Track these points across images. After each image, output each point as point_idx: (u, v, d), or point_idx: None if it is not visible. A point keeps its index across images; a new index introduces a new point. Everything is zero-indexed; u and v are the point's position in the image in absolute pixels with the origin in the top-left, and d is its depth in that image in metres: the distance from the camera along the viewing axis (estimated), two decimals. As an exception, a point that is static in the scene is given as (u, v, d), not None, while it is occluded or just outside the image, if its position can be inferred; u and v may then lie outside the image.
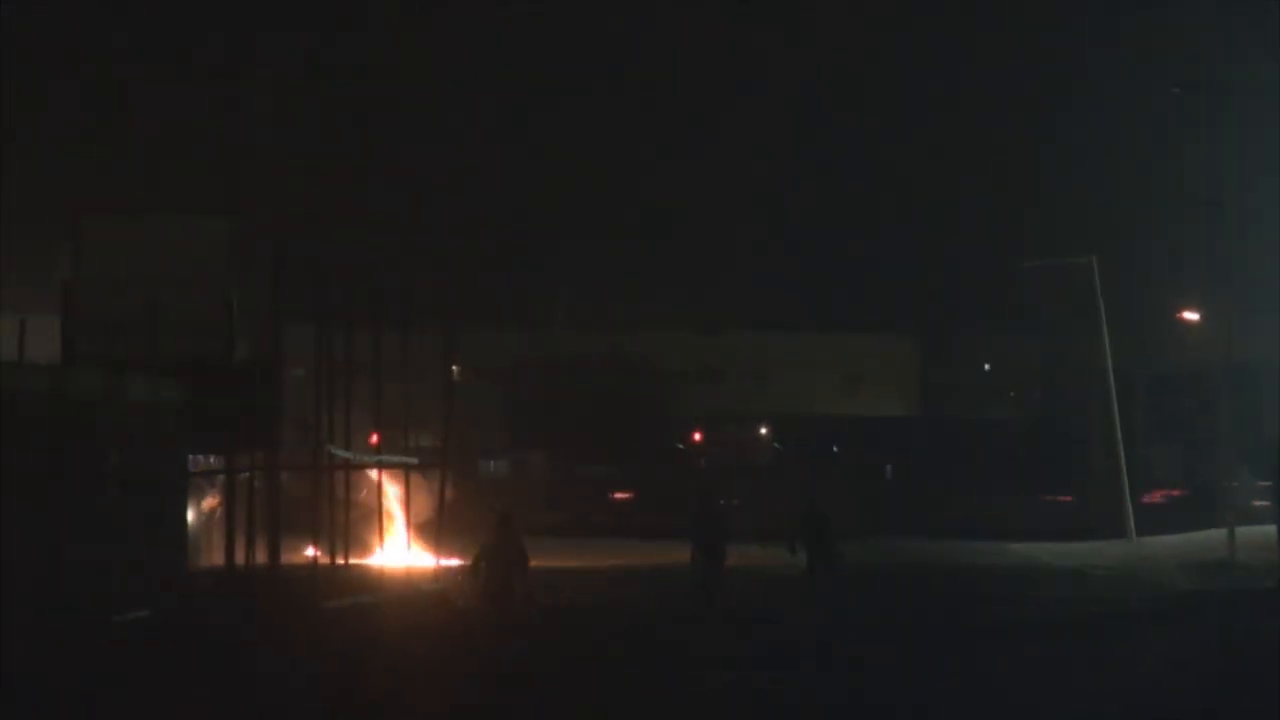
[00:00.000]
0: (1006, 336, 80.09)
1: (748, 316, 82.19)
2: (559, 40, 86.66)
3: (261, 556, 31.83)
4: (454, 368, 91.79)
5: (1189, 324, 65.09)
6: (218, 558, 34.47)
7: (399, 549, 39.10)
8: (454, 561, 37.15)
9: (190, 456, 31.46)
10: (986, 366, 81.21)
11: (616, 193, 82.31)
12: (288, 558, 34.19)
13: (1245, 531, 47.63)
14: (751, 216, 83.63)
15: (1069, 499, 65.63)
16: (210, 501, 36.74)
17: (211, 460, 35.21)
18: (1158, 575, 42.11)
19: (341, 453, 31.98)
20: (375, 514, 37.23)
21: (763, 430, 76.76)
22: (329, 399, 33.62)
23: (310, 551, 33.42)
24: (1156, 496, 65.37)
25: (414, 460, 35.29)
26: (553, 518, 64.02)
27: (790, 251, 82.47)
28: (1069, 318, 70.70)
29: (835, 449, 72.72)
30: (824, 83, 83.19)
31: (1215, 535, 49.75)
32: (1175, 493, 67.04)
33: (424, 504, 38.84)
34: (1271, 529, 46.08)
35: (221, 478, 35.21)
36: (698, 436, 76.99)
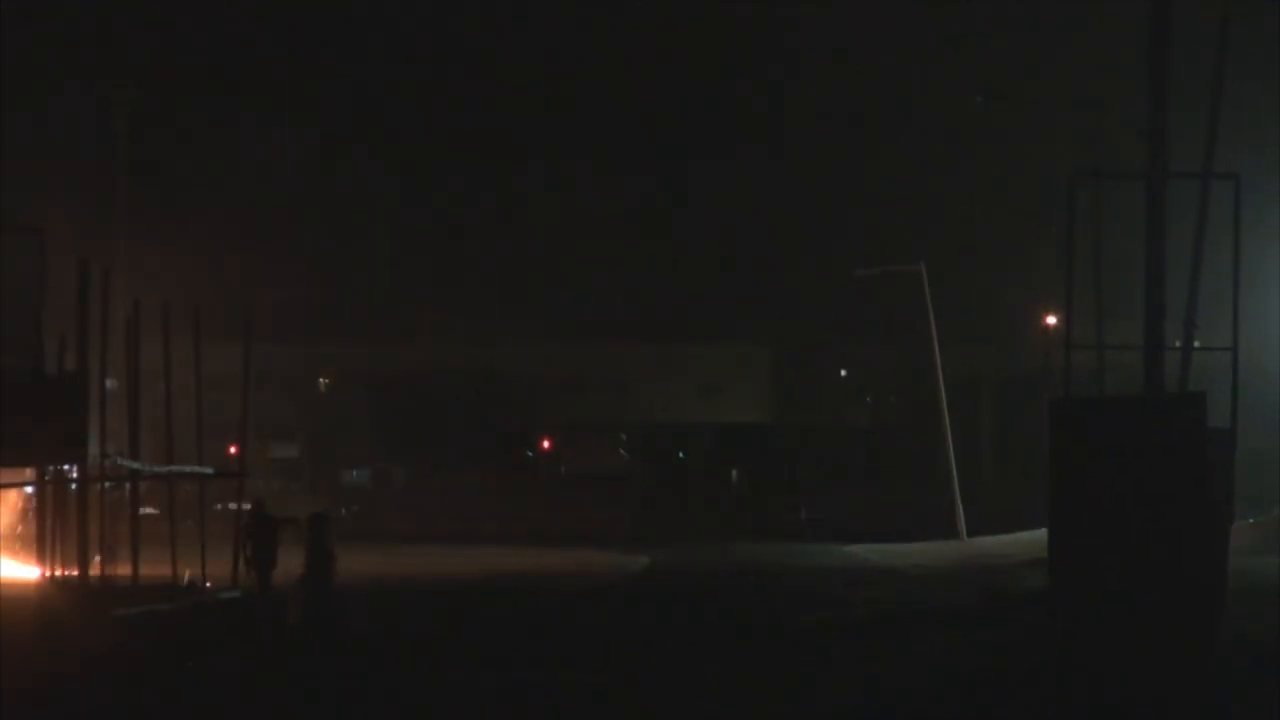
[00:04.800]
0: (865, 343, 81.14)
1: (609, 327, 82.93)
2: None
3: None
4: (321, 380, 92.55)
5: (1050, 330, 66.37)
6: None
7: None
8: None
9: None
10: (844, 373, 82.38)
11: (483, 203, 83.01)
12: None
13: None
14: (614, 228, 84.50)
15: (913, 500, 66.87)
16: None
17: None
18: (967, 574, 43.16)
19: (129, 464, 32.39)
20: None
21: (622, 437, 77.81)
22: (136, 411, 33.98)
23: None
24: None
25: (209, 470, 35.66)
26: (408, 526, 65.04)
27: (653, 261, 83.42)
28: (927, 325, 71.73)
29: (682, 454, 73.73)
30: (673, 93, 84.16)
31: (1040, 535, 50.79)
32: None
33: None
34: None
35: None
36: (546, 444, 77.86)
